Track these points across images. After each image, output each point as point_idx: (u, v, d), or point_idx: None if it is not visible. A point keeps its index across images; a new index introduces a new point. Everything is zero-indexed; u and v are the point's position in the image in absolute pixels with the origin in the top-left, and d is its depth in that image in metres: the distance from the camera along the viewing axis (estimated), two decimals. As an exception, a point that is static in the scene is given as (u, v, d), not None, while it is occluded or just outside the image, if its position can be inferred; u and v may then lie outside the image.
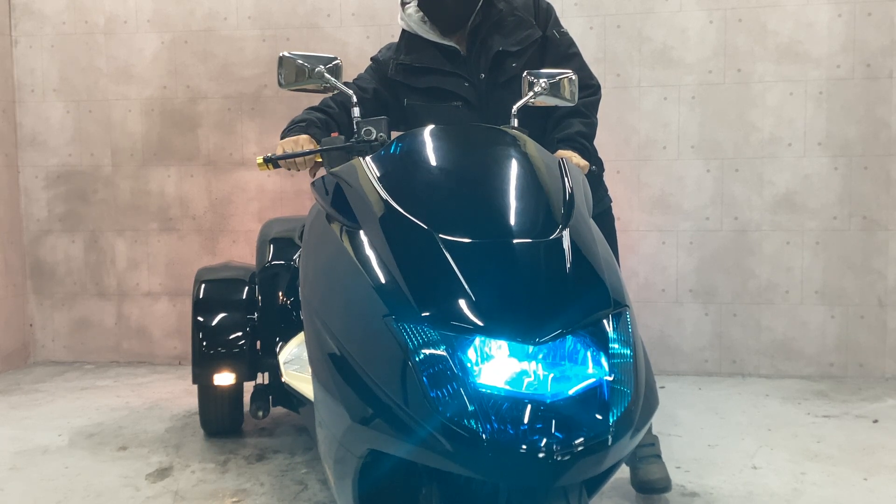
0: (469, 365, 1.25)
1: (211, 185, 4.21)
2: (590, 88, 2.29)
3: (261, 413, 2.71)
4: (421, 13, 2.29)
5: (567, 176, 1.63)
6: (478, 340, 1.27)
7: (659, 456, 2.35)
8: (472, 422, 1.19)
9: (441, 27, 2.26)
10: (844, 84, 3.75)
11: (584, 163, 2.06)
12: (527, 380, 1.25)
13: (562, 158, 1.73)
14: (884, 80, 3.73)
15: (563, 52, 2.29)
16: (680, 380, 3.80)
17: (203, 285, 2.94)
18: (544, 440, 1.19)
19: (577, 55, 2.33)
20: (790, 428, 3.03)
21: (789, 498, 2.36)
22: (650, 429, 2.32)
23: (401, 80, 2.33)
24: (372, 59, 2.45)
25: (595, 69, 2.48)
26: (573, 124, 2.20)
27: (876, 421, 3.13)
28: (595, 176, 2.25)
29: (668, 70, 3.85)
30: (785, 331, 3.86)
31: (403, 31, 2.36)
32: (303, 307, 1.70)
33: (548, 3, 2.34)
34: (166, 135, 4.23)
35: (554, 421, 1.21)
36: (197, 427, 3.09)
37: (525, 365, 1.26)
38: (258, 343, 2.85)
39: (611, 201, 2.45)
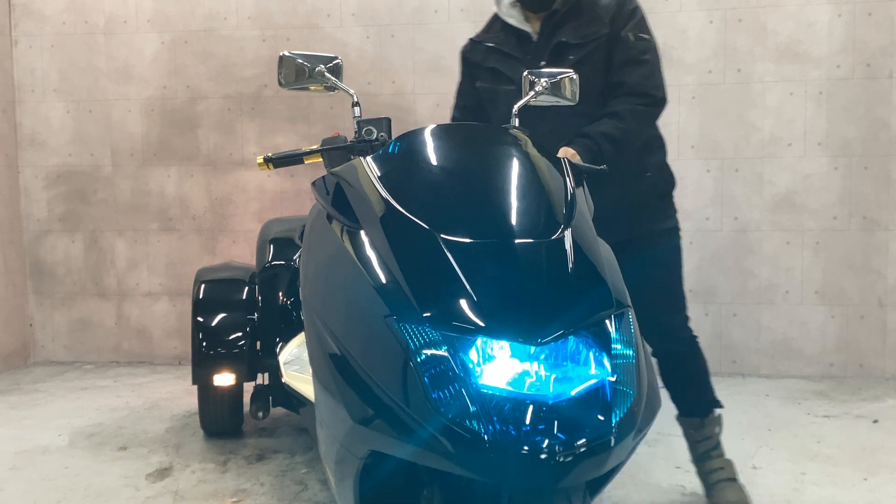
0: (471, 366, 1.25)
1: (211, 185, 4.21)
2: (645, 97, 2.18)
3: (261, 413, 2.70)
4: None
5: (569, 176, 1.63)
6: (479, 341, 1.27)
7: (734, 479, 2.29)
8: (474, 423, 1.19)
9: (528, 5, 2.23)
10: (844, 84, 3.75)
11: (575, 157, 2.03)
12: (529, 380, 1.25)
13: (564, 158, 1.72)
14: (884, 80, 3.73)
15: (632, 56, 2.19)
16: (680, 380, 3.79)
17: (203, 285, 2.94)
18: (546, 441, 1.18)
19: (649, 63, 2.21)
20: (790, 428, 3.03)
21: (789, 498, 2.36)
22: (722, 452, 2.32)
23: (471, 59, 2.35)
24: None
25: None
26: (603, 123, 2.14)
27: (876, 421, 3.13)
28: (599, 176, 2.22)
29: (668, 70, 3.76)
30: (785, 331, 3.86)
31: (495, 13, 2.35)
32: (303, 307, 1.69)
33: (635, 7, 2.24)
34: (166, 135, 4.23)
35: (556, 422, 1.21)
36: (197, 427, 3.08)
37: (527, 366, 1.26)
38: (258, 343, 2.85)
39: (674, 224, 2.33)
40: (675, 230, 2.32)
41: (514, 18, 2.25)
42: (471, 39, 2.39)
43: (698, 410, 2.33)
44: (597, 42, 2.18)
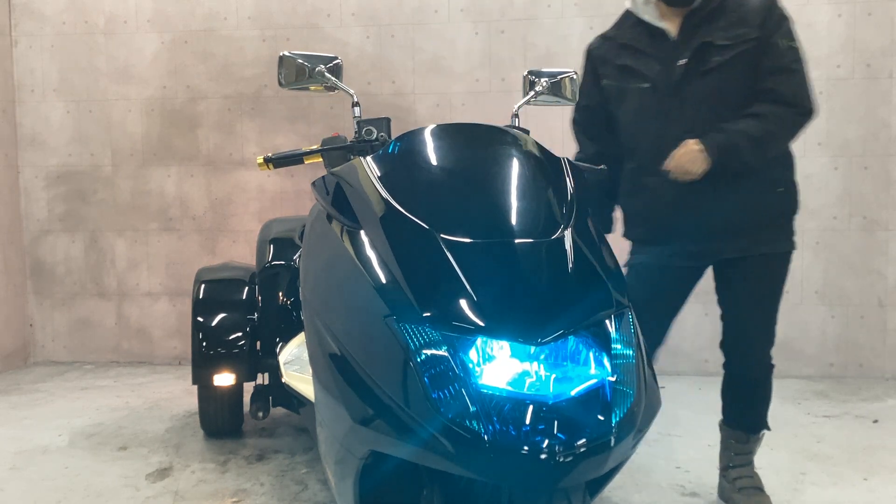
0: (471, 366, 1.25)
1: (211, 185, 4.21)
2: (795, 108, 2.11)
3: (261, 413, 2.70)
4: None
5: (569, 176, 1.63)
6: (479, 341, 1.27)
7: (762, 489, 2.27)
8: (474, 423, 1.19)
9: (667, 0, 2.16)
10: (844, 84, 3.75)
11: (702, 153, 2.00)
12: (529, 380, 1.25)
13: (564, 158, 1.71)
14: (884, 80, 3.73)
15: (782, 63, 2.10)
16: (680, 380, 3.79)
17: (203, 285, 2.94)
18: (546, 441, 1.19)
19: (798, 72, 2.13)
20: (790, 428, 3.03)
21: (789, 498, 2.36)
22: (752, 464, 2.30)
23: (600, 55, 2.28)
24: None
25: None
26: (741, 122, 2.07)
27: (876, 421, 3.13)
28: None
29: (668, 70, 3.84)
30: (785, 331, 3.83)
31: (627, 10, 2.29)
32: (303, 307, 1.69)
33: (784, 14, 2.17)
34: (166, 135, 4.23)
35: (556, 422, 1.21)
36: (197, 427, 3.08)
37: (527, 366, 1.26)
38: (258, 343, 2.84)
39: (792, 247, 2.24)
40: (788, 255, 2.25)
41: (649, 15, 2.18)
42: (601, 36, 2.32)
43: (749, 427, 2.30)
44: (745, 45, 2.09)
